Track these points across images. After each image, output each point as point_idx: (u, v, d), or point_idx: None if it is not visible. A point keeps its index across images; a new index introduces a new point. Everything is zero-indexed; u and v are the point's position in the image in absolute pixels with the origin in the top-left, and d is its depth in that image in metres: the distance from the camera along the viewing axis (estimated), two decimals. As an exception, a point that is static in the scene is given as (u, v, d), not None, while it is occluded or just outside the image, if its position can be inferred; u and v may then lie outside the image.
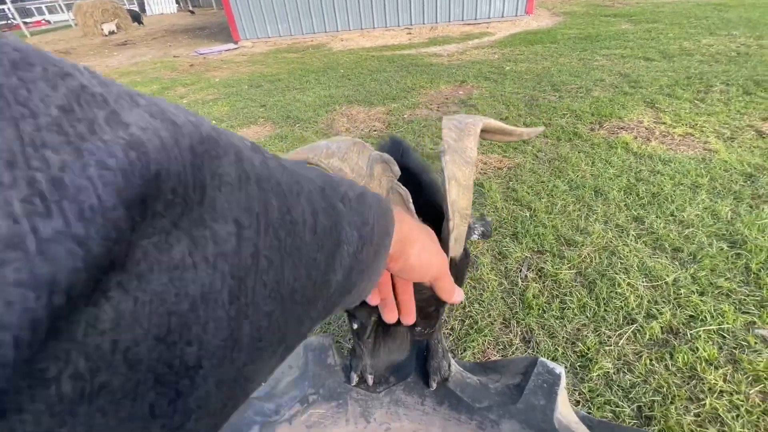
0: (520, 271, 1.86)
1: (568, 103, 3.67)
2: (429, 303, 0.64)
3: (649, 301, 1.61)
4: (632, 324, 1.53)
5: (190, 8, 19.39)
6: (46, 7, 21.41)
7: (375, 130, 3.67)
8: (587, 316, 1.59)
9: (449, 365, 0.90)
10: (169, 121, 0.17)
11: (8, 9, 17.83)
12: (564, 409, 0.84)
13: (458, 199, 0.56)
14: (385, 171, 0.53)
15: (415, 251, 0.42)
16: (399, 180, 0.55)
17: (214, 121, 4.32)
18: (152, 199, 0.15)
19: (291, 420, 0.85)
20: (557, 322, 1.59)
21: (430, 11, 8.50)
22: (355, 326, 0.99)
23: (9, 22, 20.16)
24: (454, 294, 0.49)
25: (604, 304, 1.63)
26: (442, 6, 8.41)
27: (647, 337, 1.48)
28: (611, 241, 1.96)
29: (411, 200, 0.55)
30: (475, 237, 0.68)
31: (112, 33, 13.32)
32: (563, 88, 4.10)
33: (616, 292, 1.67)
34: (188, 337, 0.16)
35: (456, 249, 0.58)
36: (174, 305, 0.16)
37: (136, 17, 15.25)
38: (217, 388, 0.18)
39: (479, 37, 7.28)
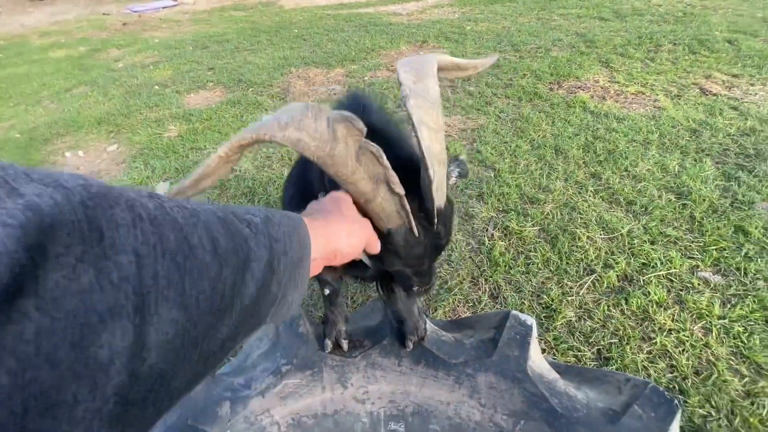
0: (486, 230, 1.89)
1: (528, 64, 3.67)
2: (420, 262, 0.62)
3: (606, 252, 1.70)
4: (592, 274, 1.61)
5: (118, -42, 17.10)
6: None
7: (335, 93, 3.50)
8: (551, 270, 1.65)
9: (425, 325, 0.89)
10: (61, 186, 0.22)
11: None
12: (536, 358, 0.86)
13: (432, 144, 0.52)
14: (349, 130, 0.47)
15: (344, 245, 0.50)
16: (366, 137, 0.50)
17: (156, 87, 3.94)
18: (51, 243, 0.20)
19: (264, 393, 0.81)
20: (523, 277, 1.64)
21: (387, -34, 8.03)
22: (327, 291, 0.95)
23: None
24: (376, 246, 0.57)
25: (566, 257, 1.69)
26: (399, -39, 7.97)
27: (605, 285, 1.56)
28: (571, 198, 2.03)
29: (384, 156, 0.50)
30: (453, 180, 0.65)
31: (24, -14, 11.54)
32: (523, 48, 4.08)
33: (577, 246, 1.74)
34: (99, 342, 0.21)
35: (439, 197, 0.55)
36: (85, 319, 0.21)
37: (53, -32, 13.28)
38: (131, 380, 0.23)
39: (439, -5, 7.03)
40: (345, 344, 0.89)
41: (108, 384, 0.21)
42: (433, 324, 0.94)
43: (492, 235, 1.85)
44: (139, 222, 0.24)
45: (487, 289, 1.61)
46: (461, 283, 1.64)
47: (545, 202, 2.01)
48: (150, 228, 0.25)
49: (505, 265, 1.69)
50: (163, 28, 6.32)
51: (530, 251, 1.75)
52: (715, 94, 2.86)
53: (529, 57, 3.86)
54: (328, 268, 0.93)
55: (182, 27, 6.27)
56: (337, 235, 0.49)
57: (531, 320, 0.89)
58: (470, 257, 1.76)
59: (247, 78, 3.91)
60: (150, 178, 2.52)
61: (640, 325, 1.41)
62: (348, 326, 0.92)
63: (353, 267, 0.88)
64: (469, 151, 2.50)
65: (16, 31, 6.85)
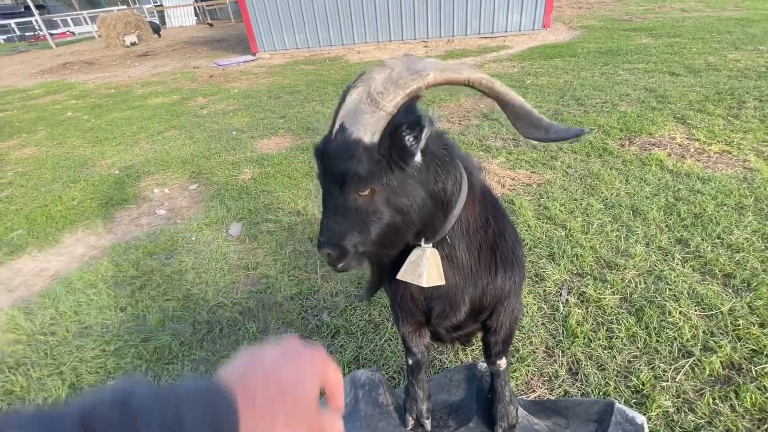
0: (560, 294, 1.77)
1: (595, 118, 3.59)
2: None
3: (704, 332, 1.50)
4: (689, 357, 1.43)
5: (209, 21, 19.84)
6: (71, 19, 22.18)
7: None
8: (638, 347, 1.49)
9: (516, 411, 0.82)
10: None
11: (36, 21, 18.50)
12: (651, 467, 0.75)
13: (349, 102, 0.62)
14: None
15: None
16: None
17: (234, 132, 4.34)
18: None
19: (344, 468, 0.78)
20: (605, 352, 1.49)
21: (446, 24, 8.53)
22: (410, 362, 0.91)
23: (36, 33, 20.92)
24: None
25: (656, 334, 1.52)
26: (458, 19, 8.44)
27: (707, 372, 1.37)
28: (655, 265, 1.86)
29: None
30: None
31: (133, 44, 13.67)
32: (587, 103, 4.02)
33: (668, 321, 1.56)
34: None
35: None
36: None
37: (156, 29, 15.65)
38: None
39: (496, 50, 7.26)
40: (428, 424, 0.84)
41: None
42: (522, 408, 0.86)
43: (567, 300, 1.73)
44: None
45: (565, 363, 1.48)
46: (534, 352, 1.53)
47: (625, 268, 1.86)
48: None
49: (584, 337, 1.55)
50: (242, 79, 7.07)
51: (612, 323, 1.60)
52: (819, 157, 2.58)
53: (594, 111, 3.78)
54: (415, 334, 0.90)
55: (259, 79, 6.98)
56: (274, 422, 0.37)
57: (642, 418, 0.79)
58: (543, 324, 1.64)
59: (314, 126, 4.19)
60: (225, 217, 2.71)
61: (759, 428, 1.20)
62: (430, 402, 0.87)
63: (444, 318, 0.85)
64: (535, 207, 2.42)
65: (124, 82, 8.01)
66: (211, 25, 18.78)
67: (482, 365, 0.96)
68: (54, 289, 2.18)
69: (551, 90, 4.54)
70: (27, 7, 18.50)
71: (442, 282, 0.74)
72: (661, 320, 1.57)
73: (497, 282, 0.80)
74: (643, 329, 1.55)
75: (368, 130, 0.59)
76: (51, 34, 18.54)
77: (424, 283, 0.73)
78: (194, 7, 20.94)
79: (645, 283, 1.77)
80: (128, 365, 1.68)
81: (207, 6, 20.42)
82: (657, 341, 1.50)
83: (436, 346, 1.29)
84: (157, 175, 3.56)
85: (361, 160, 0.59)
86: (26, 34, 21.46)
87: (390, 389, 0.93)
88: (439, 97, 4.70)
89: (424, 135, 0.61)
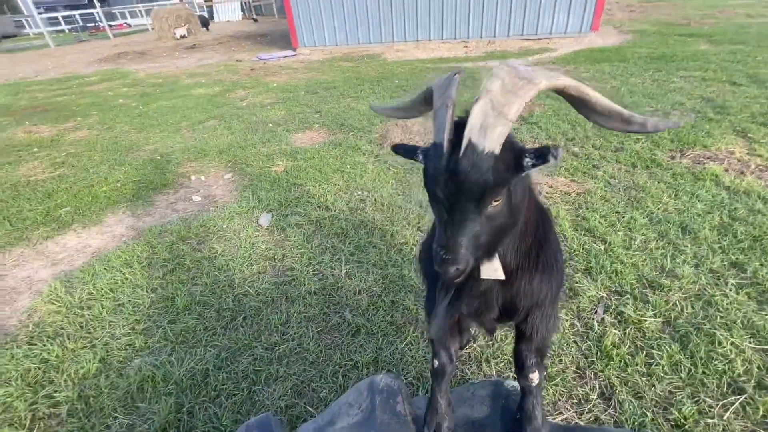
0: (596, 312, 1.66)
1: (643, 127, 3.37)
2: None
3: (759, 368, 1.36)
4: (740, 394, 1.29)
5: (254, 16, 20.47)
6: (128, 11, 23.60)
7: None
8: (681, 377, 1.37)
9: (546, 436, 0.76)
10: None
11: (97, 13, 19.76)
12: None
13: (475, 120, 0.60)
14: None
15: None
16: None
17: (270, 125, 4.42)
18: None
19: (356, 477, 0.74)
20: (644, 379, 1.37)
21: (488, 24, 8.33)
22: (436, 364, 0.87)
23: (96, 24, 22.40)
24: None
25: (703, 364, 1.39)
26: (501, 19, 8.22)
27: (760, 413, 1.23)
28: (705, 289, 1.71)
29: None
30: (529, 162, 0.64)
31: (183, 37, 14.29)
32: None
33: (717, 352, 1.43)
34: None
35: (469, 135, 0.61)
36: None
37: (205, 23, 16.28)
38: None
39: (539, 52, 7.01)
40: (448, 439, 0.79)
41: None
42: (552, 434, 0.80)
43: (603, 319, 1.62)
44: None
45: (597, 387, 1.38)
46: (564, 372, 1.43)
47: (670, 290, 1.72)
48: None
49: (620, 360, 1.44)
50: (281, 74, 7.21)
51: (652, 348, 1.48)
52: None
53: (643, 120, 3.55)
54: (445, 336, 0.86)
55: (297, 74, 7.09)
56: None
57: (688, 462, 0.70)
58: (575, 342, 1.54)
59: (349, 123, 4.20)
60: (256, 207, 2.75)
61: (821, 483, 1.07)
62: (452, 421, 0.82)
63: (478, 315, 0.82)
64: (573, 218, 2.29)
65: (172, 72, 8.38)
66: (255, 20, 19.33)
67: (509, 383, 0.90)
68: (93, 266, 2.29)
69: (596, 96, 4.31)
70: (90, 0, 19.81)
71: (503, 276, 0.74)
72: (710, 350, 1.44)
73: (534, 284, 0.80)
74: (687, 358, 1.43)
75: (498, 142, 0.60)
76: (110, 26, 19.74)
77: (501, 275, 0.73)
78: (241, 3, 21.65)
79: (692, 307, 1.63)
80: (155, 345, 1.74)
81: (253, 2, 21.04)
82: (704, 373, 1.37)
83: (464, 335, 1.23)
84: (195, 162, 3.68)
85: (497, 170, 0.61)
86: (88, 24, 22.96)
87: (409, 398, 0.89)
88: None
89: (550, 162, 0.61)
